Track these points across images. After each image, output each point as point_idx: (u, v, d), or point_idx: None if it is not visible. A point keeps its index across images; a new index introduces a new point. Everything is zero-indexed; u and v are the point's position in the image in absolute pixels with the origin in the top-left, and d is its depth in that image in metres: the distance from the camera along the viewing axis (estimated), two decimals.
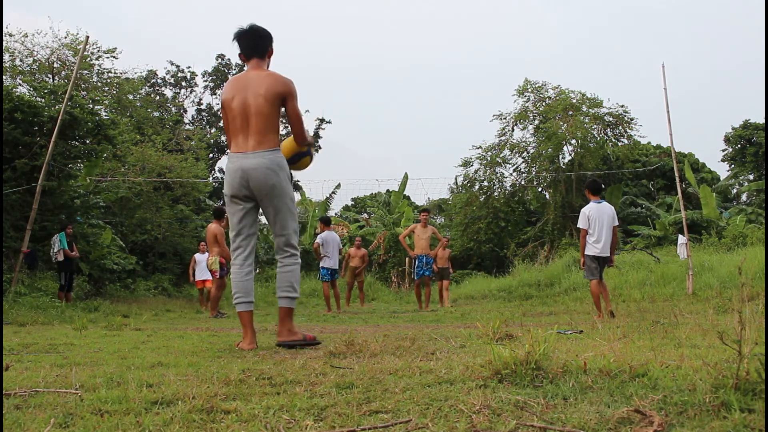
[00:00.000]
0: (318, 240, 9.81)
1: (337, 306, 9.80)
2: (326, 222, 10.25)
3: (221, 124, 27.73)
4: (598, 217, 6.29)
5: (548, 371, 1.87)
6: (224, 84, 3.70)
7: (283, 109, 3.37)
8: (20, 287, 8.95)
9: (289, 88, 3.30)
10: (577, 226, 6.58)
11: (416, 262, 10.13)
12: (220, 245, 8.83)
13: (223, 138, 27.65)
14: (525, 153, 20.69)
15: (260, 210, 3.47)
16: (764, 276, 8.04)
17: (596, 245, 6.25)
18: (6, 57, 16.29)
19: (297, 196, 24.01)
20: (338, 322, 6.73)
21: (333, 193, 23.72)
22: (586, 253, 6.33)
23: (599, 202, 6.40)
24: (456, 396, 1.68)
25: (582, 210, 6.45)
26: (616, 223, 6.40)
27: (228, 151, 3.42)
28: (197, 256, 12.31)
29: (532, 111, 20.59)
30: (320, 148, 29.93)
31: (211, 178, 25.20)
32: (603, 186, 6.85)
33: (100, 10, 61.37)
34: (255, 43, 3.38)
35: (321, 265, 9.83)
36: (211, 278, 9.85)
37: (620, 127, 19.96)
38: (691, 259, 9.80)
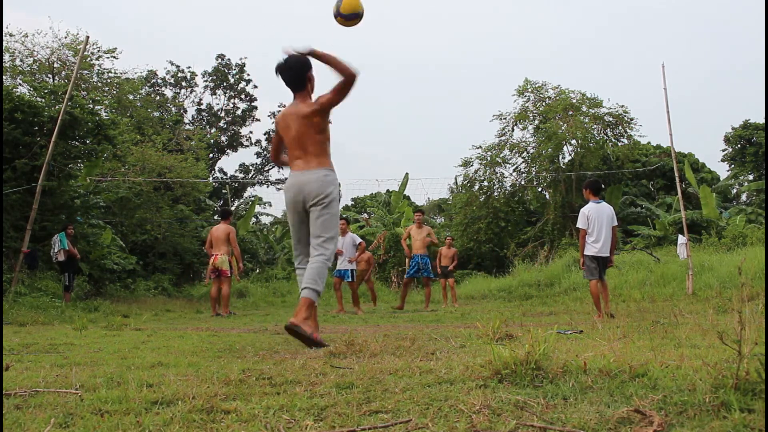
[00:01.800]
0: (360, 240, 9.84)
1: (339, 306, 9.81)
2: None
3: (221, 124, 27.95)
4: (597, 217, 6.30)
5: (548, 371, 1.87)
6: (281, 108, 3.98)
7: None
8: (20, 287, 8.95)
9: (316, 106, 3.54)
10: (577, 226, 6.59)
11: (410, 262, 10.21)
12: (233, 244, 8.91)
13: (223, 138, 27.72)
14: (525, 153, 20.67)
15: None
16: (764, 276, 8.04)
17: (595, 245, 6.26)
18: (6, 57, 16.28)
19: None
20: (338, 322, 6.72)
21: None
22: (585, 253, 6.34)
23: (598, 203, 6.41)
24: (456, 396, 1.68)
25: (581, 210, 6.46)
26: (616, 223, 6.41)
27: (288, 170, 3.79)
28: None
29: (532, 111, 20.57)
30: None
31: (211, 178, 25.20)
32: (603, 186, 6.86)
33: (100, 10, 61.21)
34: (290, 78, 3.65)
35: (350, 267, 9.69)
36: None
37: (620, 127, 19.94)
38: (691, 259, 9.79)
